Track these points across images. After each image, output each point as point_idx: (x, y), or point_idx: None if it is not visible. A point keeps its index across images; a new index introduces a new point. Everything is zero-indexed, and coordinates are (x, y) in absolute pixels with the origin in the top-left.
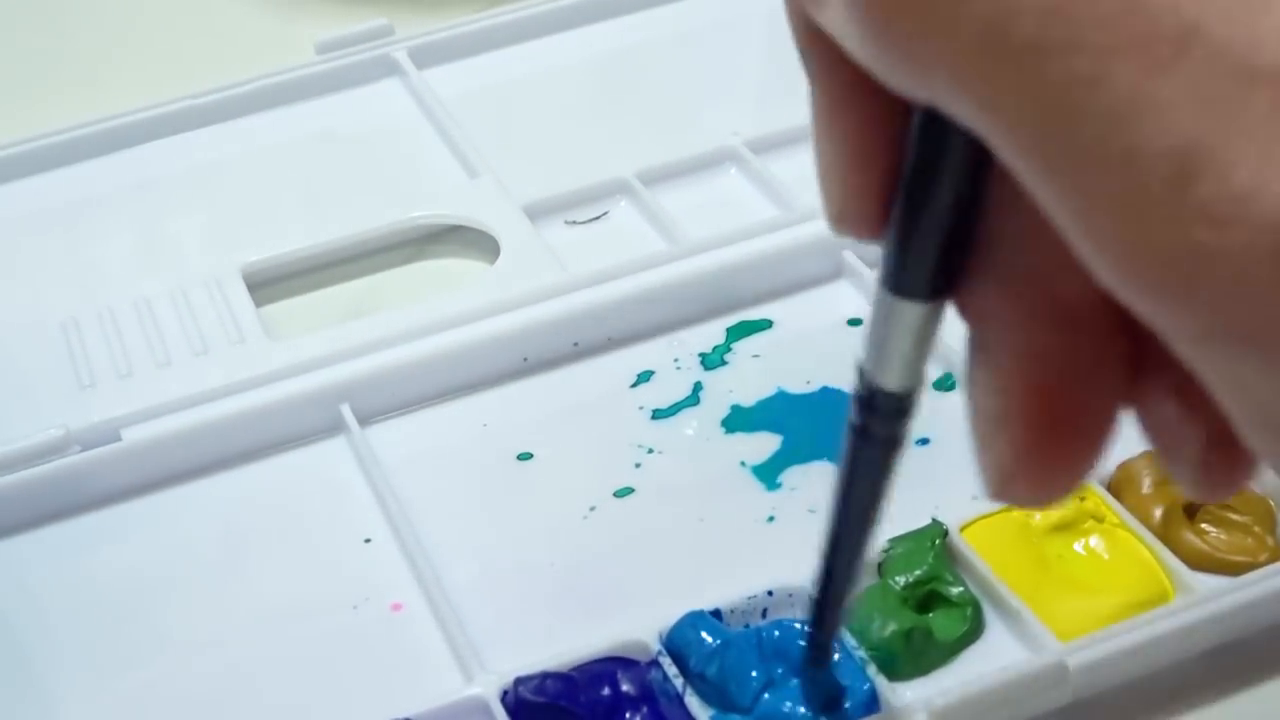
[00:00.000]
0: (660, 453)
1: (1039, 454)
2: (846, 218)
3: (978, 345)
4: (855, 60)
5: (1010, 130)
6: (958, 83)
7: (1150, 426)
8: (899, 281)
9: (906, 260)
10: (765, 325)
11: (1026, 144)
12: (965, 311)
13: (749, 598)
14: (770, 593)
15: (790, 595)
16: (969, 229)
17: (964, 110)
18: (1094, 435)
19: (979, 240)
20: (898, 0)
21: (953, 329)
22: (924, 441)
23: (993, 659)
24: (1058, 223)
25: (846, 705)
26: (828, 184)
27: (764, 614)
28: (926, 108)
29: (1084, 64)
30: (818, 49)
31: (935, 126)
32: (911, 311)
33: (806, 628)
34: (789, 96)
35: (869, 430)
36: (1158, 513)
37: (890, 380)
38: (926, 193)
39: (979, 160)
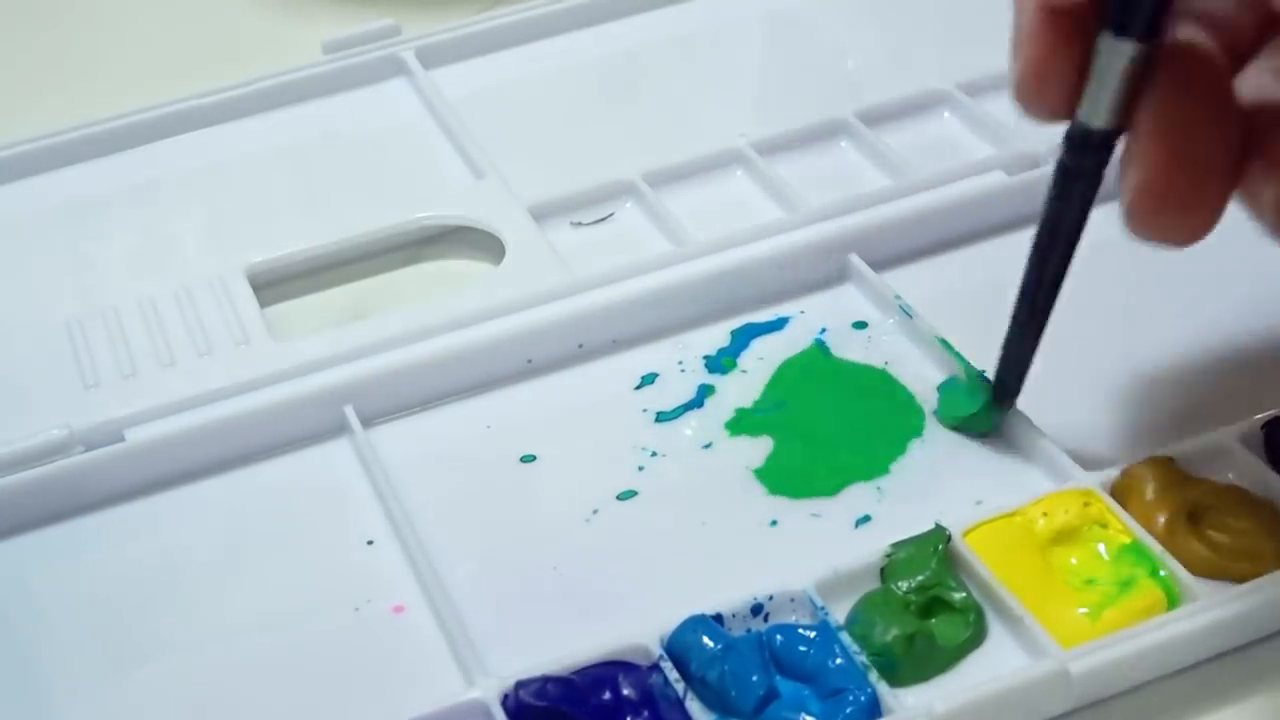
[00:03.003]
0: (663, 456)
1: (1162, 181)
2: (1043, 84)
3: (1133, 128)
4: None
5: None
6: None
7: (1254, 209)
8: (1122, 22)
9: (1130, 4)
10: (771, 328)
11: None
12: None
13: (751, 602)
14: (772, 597)
15: (792, 600)
16: None
17: None
18: (1207, 183)
19: None
20: None
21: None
22: (918, 433)
23: (995, 665)
24: None
25: (849, 710)
26: (1027, 46)
27: (766, 618)
28: None
29: None
30: None
31: None
32: (1127, 51)
33: (1000, 359)
34: (795, 98)
35: (1081, 167)
36: (1162, 519)
37: (1100, 119)
38: None
39: None
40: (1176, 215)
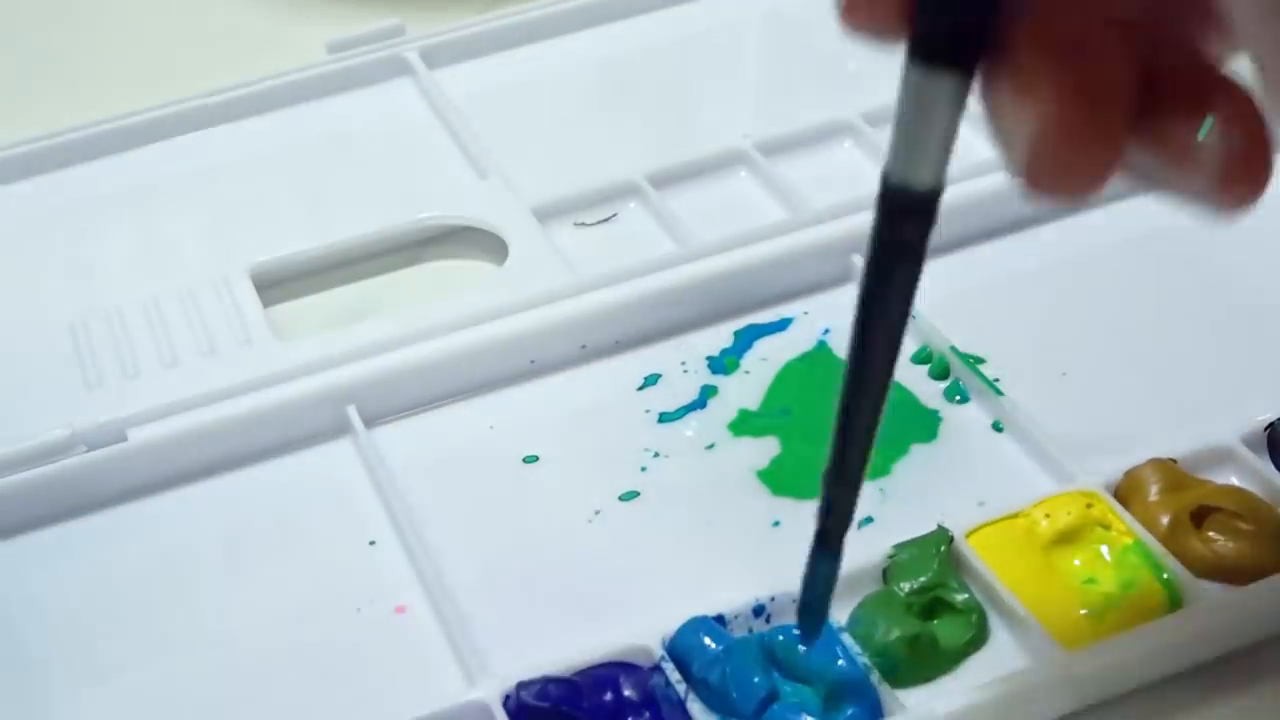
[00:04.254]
0: (666, 456)
1: (1066, 122)
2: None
3: (1009, 67)
4: None
5: None
6: None
7: (1164, 153)
8: (933, 48)
9: (940, 21)
10: (774, 329)
11: None
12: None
13: (753, 603)
14: (774, 598)
15: (794, 602)
16: None
17: None
18: (1113, 118)
19: None
20: None
21: (959, 331)
22: (930, 438)
23: (997, 666)
24: None
25: (851, 712)
26: None
27: (768, 620)
28: None
29: None
30: None
31: None
32: (945, 87)
33: (818, 506)
34: (799, 99)
35: (902, 241)
36: (1164, 520)
37: (924, 175)
38: None
39: None
40: (1086, 159)
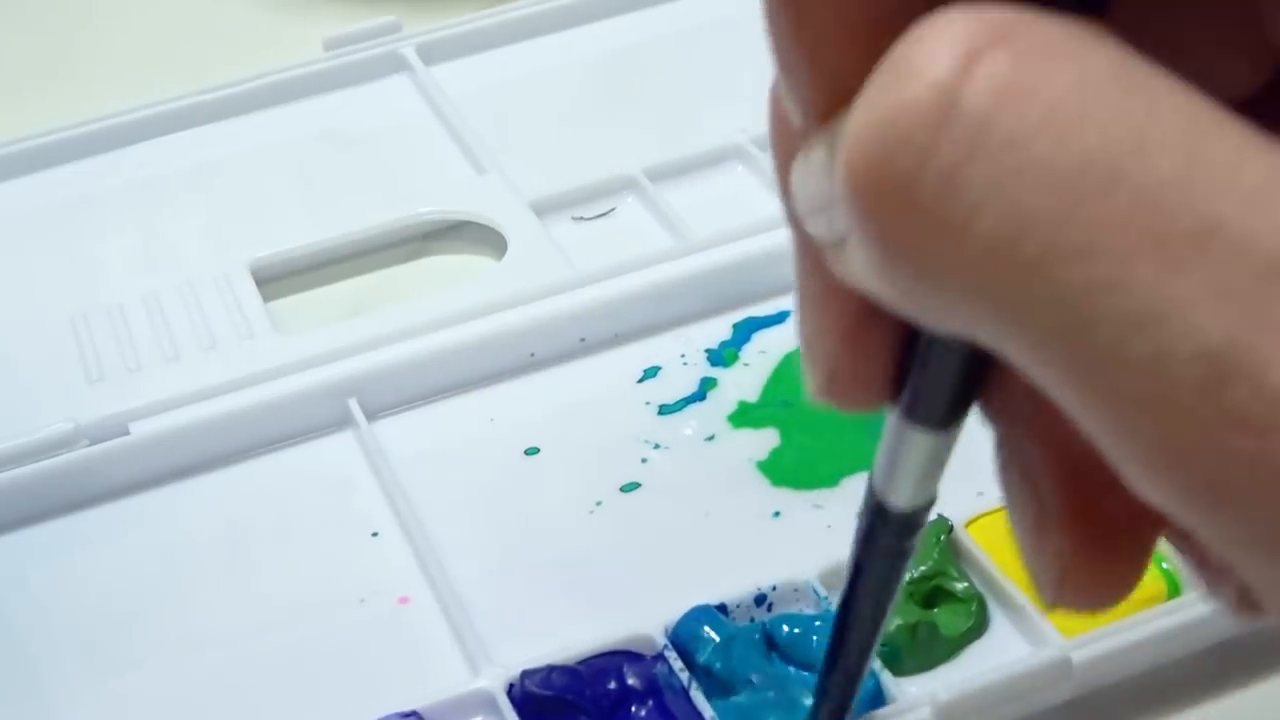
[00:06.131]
0: (666, 448)
1: (1087, 562)
2: (851, 382)
3: (1009, 450)
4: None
5: (1033, 345)
6: (971, 299)
7: (1190, 558)
8: (913, 410)
9: (924, 390)
10: (772, 321)
11: (1049, 355)
12: (992, 413)
13: (755, 592)
14: (775, 587)
15: (795, 590)
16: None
17: (984, 331)
18: (1139, 540)
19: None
20: (902, 228)
21: None
22: None
23: (997, 654)
24: (1086, 429)
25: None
26: (823, 343)
27: (770, 609)
28: None
29: (1101, 269)
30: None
31: None
32: (925, 439)
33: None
34: None
35: (877, 541)
36: None
37: (900, 500)
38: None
39: None
40: (1109, 589)
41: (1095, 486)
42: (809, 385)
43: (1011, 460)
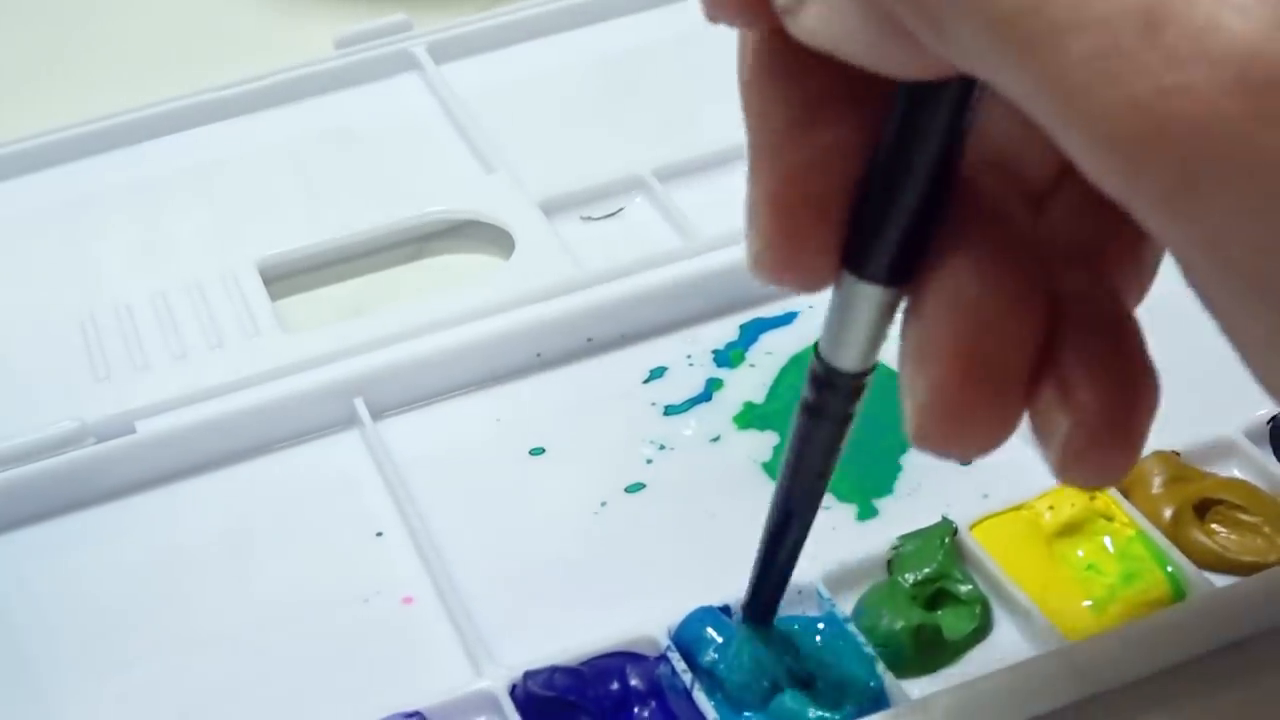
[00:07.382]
0: (672, 449)
1: (956, 396)
2: (793, 249)
3: (913, 310)
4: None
5: (992, 24)
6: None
7: (1032, 414)
8: (862, 264)
9: (873, 244)
10: (779, 323)
11: (1014, 32)
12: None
13: None
14: None
15: (799, 592)
16: (933, 212)
17: (961, 34)
18: (1006, 393)
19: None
20: None
21: None
22: None
23: (1001, 656)
24: (1033, 105)
25: (854, 702)
26: (771, 214)
27: None
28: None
29: None
30: (775, 74)
31: (920, 95)
32: (873, 294)
33: (749, 589)
34: None
35: (824, 408)
36: (1168, 512)
37: (847, 361)
38: (901, 175)
39: (956, 125)
40: (974, 430)
41: (976, 326)
42: (748, 259)
43: (913, 317)
